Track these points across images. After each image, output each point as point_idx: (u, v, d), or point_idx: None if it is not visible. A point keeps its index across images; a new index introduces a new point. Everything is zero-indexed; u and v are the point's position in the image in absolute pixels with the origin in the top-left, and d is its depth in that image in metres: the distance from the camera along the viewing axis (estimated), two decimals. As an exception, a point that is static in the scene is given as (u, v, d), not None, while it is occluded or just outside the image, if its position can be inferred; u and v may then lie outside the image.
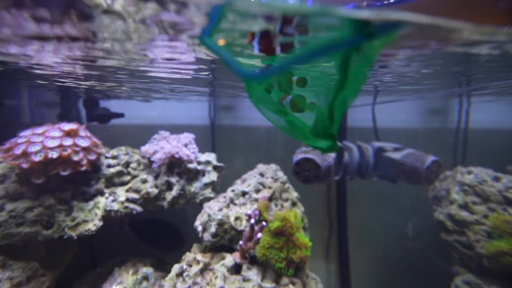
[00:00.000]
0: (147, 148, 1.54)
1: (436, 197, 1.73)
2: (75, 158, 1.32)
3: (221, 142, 2.24)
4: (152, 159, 1.50)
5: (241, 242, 1.20)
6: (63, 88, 1.63)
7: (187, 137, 1.60)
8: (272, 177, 1.64)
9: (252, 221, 1.19)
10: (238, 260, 1.20)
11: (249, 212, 1.29)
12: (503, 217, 1.32)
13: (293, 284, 1.32)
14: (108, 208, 1.39)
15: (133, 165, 1.59)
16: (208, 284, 1.17)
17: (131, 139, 2.00)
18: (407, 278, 2.02)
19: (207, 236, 1.32)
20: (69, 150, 1.31)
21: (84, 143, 1.38)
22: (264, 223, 1.23)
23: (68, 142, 1.33)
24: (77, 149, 1.34)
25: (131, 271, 1.46)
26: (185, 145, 1.56)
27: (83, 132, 1.43)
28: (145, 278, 1.41)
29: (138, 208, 1.48)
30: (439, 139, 2.25)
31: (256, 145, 2.27)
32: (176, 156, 1.49)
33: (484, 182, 1.48)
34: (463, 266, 1.47)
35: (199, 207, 1.53)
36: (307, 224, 1.64)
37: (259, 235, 1.17)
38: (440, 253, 1.66)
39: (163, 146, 1.51)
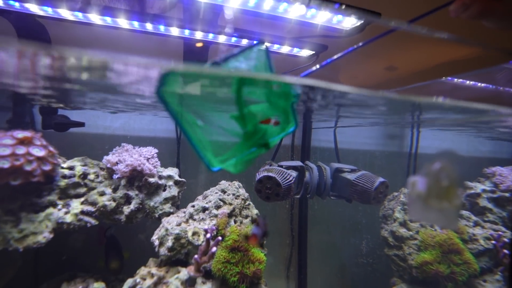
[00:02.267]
0: (109, 158, 1.61)
1: (385, 216, 2.00)
2: (28, 168, 1.36)
3: (186, 156, 2.34)
4: (114, 168, 1.58)
5: (196, 256, 1.31)
6: (17, 94, 1.67)
7: (150, 151, 1.70)
8: (233, 194, 1.79)
9: (208, 235, 1.32)
10: (192, 273, 1.31)
11: (207, 227, 1.42)
12: (429, 232, 1.60)
13: (247, 298, 1.45)
14: (60, 220, 1.43)
15: (91, 176, 1.65)
16: (160, 298, 1.26)
17: (91, 149, 2.05)
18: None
19: (163, 251, 1.42)
20: (22, 160, 1.35)
21: (39, 152, 1.43)
22: (220, 238, 1.37)
23: (21, 150, 1.38)
24: (30, 158, 1.39)
25: (80, 287, 1.49)
26: (147, 159, 1.66)
27: (38, 141, 1.48)
28: (95, 294, 1.45)
29: (93, 221, 1.53)
30: (394, 162, 2.57)
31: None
32: (138, 169, 1.59)
33: (422, 203, 1.77)
34: (399, 277, 1.71)
35: (158, 222, 1.62)
36: (265, 241, 1.79)
37: (214, 249, 1.30)
38: (387, 267, 1.90)
39: (125, 158, 1.60)
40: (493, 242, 1.59)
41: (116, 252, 1.65)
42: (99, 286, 1.48)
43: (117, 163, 1.61)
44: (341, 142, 2.37)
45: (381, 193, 1.90)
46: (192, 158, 2.38)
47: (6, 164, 1.30)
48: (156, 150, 1.74)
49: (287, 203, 2.42)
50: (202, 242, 1.47)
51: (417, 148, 2.47)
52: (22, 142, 1.42)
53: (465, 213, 1.74)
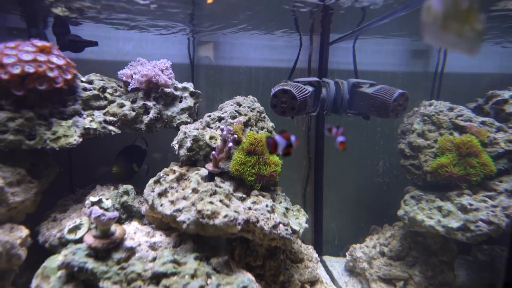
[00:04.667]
0: (124, 71, 1.68)
1: (403, 131, 2.00)
2: (50, 74, 1.46)
3: (201, 81, 2.38)
4: (129, 81, 1.65)
5: (213, 152, 1.42)
6: (28, 10, 1.70)
7: (164, 62, 1.74)
8: (248, 107, 1.84)
9: (224, 132, 1.40)
10: (211, 168, 1.43)
11: (223, 127, 1.49)
12: (447, 137, 1.60)
13: (263, 196, 1.59)
14: (86, 126, 1.56)
15: (109, 90, 1.74)
16: (183, 189, 1.40)
17: (106, 75, 2.12)
18: (374, 209, 2.36)
19: (183, 152, 1.54)
20: (44, 66, 1.44)
21: (58, 61, 1.51)
22: (235, 136, 1.45)
23: (42, 58, 1.46)
24: (52, 66, 1.47)
25: (112, 187, 1.68)
26: (162, 71, 1.71)
27: (56, 51, 1.55)
28: (126, 192, 1.64)
29: (116, 130, 1.66)
30: (418, 84, 2.48)
31: (237, 84, 2.43)
32: (154, 80, 1.65)
33: (441, 112, 1.74)
34: (413, 185, 1.78)
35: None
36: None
37: (230, 144, 1.39)
38: (403, 185, 1.97)
39: (140, 70, 1.65)
40: (516, 144, 1.57)
41: (126, 159, 1.79)
42: (127, 187, 1.66)
43: (132, 76, 1.68)
44: (360, 63, 2.28)
45: (400, 105, 1.87)
46: (206, 82, 2.41)
47: (31, 69, 1.40)
48: (170, 62, 1.77)
49: (303, 125, 2.47)
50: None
51: (444, 66, 2.34)
52: (42, 50, 1.49)
53: (488, 119, 1.70)
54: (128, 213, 1.62)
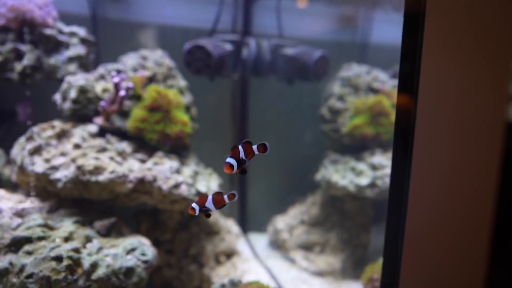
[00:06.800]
0: (-17, 4, 1.46)
1: (326, 98, 2.16)
2: None
3: (105, 38, 2.20)
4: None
5: (102, 102, 1.33)
6: None
7: (43, -2, 1.56)
8: (156, 62, 1.77)
9: (116, 79, 1.32)
10: (100, 122, 1.34)
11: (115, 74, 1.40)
12: (362, 99, 1.80)
13: (169, 158, 1.56)
14: None
15: (-34, 29, 1.50)
16: (64, 145, 1.29)
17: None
18: (301, 181, 2.52)
19: (66, 105, 1.41)
20: None
21: None
22: (130, 84, 1.38)
23: None
24: None
25: (-30, 152, 1.47)
26: (40, 8, 1.53)
27: None
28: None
29: (-25, 79, 1.45)
30: (345, 53, 2.69)
31: (149, 45, 2.32)
32: (27, 15, 1.47)
33: (359, 76, 1.93)
34: (333, 150, 1.95)
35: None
36: (196, 115, 1.86)
37: (123, 92, 1.32)
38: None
39: (7, 2, 1.45)
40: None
41: None
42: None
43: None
44: (287, 29, 2.37)
45: (321, 67, 2.01)
46: (112, 41, 2.24)
47: None
48: (52, -1, 1.60)
49: (229, 93, 2.49)
50: (115, 100, 1.48)
51: (370, 36, 2.58)
52: None
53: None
54: (-6, 184, 1.43)
